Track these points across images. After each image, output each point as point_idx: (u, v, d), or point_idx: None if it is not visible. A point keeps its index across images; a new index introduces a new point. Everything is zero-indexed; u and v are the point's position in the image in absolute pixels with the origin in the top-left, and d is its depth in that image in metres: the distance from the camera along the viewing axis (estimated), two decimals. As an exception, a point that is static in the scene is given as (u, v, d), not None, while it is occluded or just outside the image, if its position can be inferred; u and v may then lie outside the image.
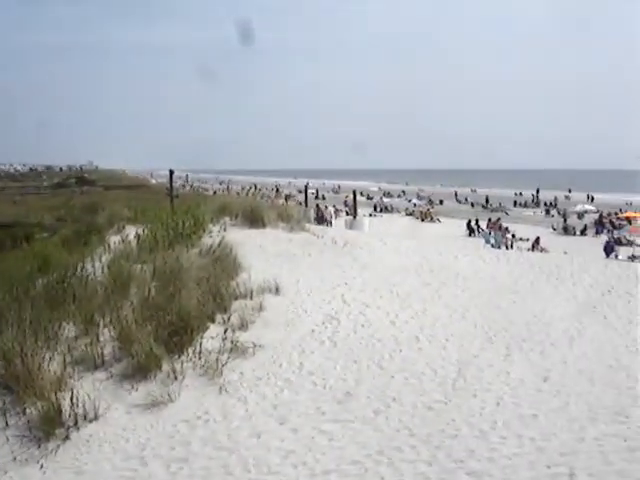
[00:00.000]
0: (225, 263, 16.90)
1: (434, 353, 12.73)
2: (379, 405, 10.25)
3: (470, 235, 46.47)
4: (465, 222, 50.02)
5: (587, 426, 9.41)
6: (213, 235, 20.66)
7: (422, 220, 61.05)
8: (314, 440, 9.14)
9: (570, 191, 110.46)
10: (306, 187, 56.71)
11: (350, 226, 36.83)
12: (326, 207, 51.34)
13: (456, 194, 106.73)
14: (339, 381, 11.26)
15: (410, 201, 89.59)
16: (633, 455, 8.43)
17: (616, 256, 35.21)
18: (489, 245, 38.30)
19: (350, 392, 10.77)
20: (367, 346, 13.03)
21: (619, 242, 41.52)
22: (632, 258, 34.80)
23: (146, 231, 19.41)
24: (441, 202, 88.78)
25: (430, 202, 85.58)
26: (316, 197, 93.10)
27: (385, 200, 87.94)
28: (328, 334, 13.72)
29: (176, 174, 58.64)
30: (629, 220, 59.17)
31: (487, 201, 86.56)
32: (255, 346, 12.51)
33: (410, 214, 67.77)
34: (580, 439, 8.96)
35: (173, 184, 34.78)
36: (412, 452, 8.70)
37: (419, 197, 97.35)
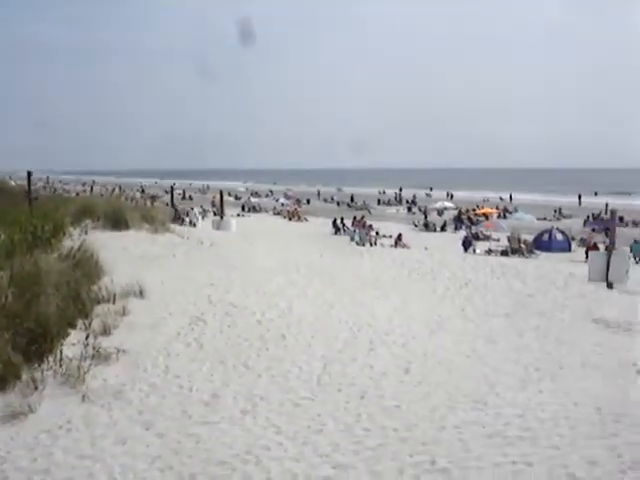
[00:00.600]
0: (86, 267, 16.35)
1: (300, 350, 12.85)
2: (246, 405, 10.25)
3: (336, 233, 47.12)
4: (331, 221, 50.70)
5: (447, 415, 9.77)
6: (74, 238, 19.95)
7: (289, 219, 61.38)
8: (181, 444, 9.02)
9: (431, 189, 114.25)
10: (172, 188, 55.83)
11: (217, 226, 36.55)
12: (192, 208, 50.74)
13: (319, 193, 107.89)
14: (205, 383, 11.17)
15: (277, 200, 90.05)
16: (490, 441, 8.82)
17: (474, 250, 36.69)
18: (354, 243, 39.05)
19: (217, 393, 10.70)
20: (234, 346, 12.99)
21: (476, 237, 43.26)
22: (488, 252, 36.36)
23: (2, 236, 18.52)
24: (308, 201, 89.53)
25: (297, 201, 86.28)
26: (183, 198, 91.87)
27: (253, 200, 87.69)
28: (194, 336, 13.57)
29: (37, 175, 56.15)
30: (486, 216, 61.88)
31: (352, 199, 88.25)
32: (119, 351, 12.17)
33: (277, 214, 68.05)
34: (441, 428, 9.29)
35: (33, 186, 33.37)
36: (279, 449, 8.75)
37: (286, 197, 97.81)
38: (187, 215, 45.58)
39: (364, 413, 9.83)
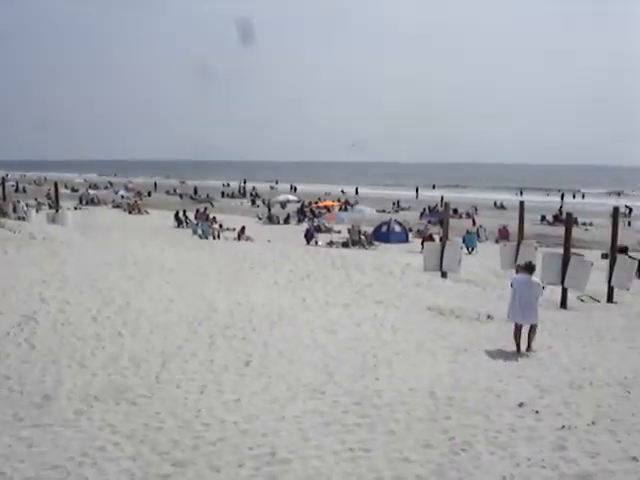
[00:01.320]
0: None
1: (138, 347, 12.52)
2: (81, 405, 9.83)
3: (178, 226, 46.36)
4: (173, 214, 49.81)
5: (287, 405, 9.83)
6: None
7: (129, 212, 59.71)
8: (12, 448, 8.50)
9: (277, 182, 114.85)
10: (3, 179, 52.80)
11: (52, 220, 34.97)
12: (18, 201, 48.11)
13: (155, 185, 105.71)
14: (37, 384, 10.62)
15: (117, 193, 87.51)
16: (329, 429, 8.94)
17: (316, 242, 37.19)
18: (197, 236, 38.57)
19: (49, 395, 10.20)
20: (67, 345, 12.47)
21: (319, 229, 43.90)
22: (330, 244, 36.98)
23: None
24: (149, 194, 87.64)
25: (138, 194, 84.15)
26: (16, 190, 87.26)
27: (91, 192, 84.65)
28: (25, 336, 12.91)
29: None
30: (328, 208, 63.19)
31: (195, 192, 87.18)
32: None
33: (117, 206, 66.06)
34: (281, 418, 9.32)
35: None
36: (116, 450, 8.44)
37: (127, 189, 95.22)
38: (14, 209, 42.85)
39: (204, 408, 9.69)
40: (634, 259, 24.84)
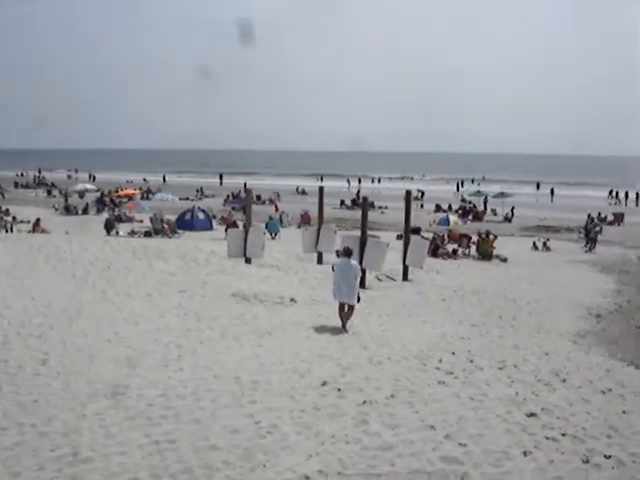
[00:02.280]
0: None
1: None
2: None
3: (-35, 220, 43.27)
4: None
5: (88, 403, 9.47)
6: None
7: None
8: None
9: (77, 171, 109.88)
10: None
11: None
12: None
13: None
14: None
15: None
16: (133, 424, 8.72)
17: (117, 232, 36.06)
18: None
19: None
20: None
21: (120, 219, 42.60)
22: (132, 234, 36.02)
23: None
24: None
25: None
26: None
27: None
28: None
29: None
30: (129, 197, 61.45)
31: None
32: None
33: None
34: (82, 417, 8.97)
35: None
36: None
37: None
38: None
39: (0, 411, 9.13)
40: (426, 239, 26.43)
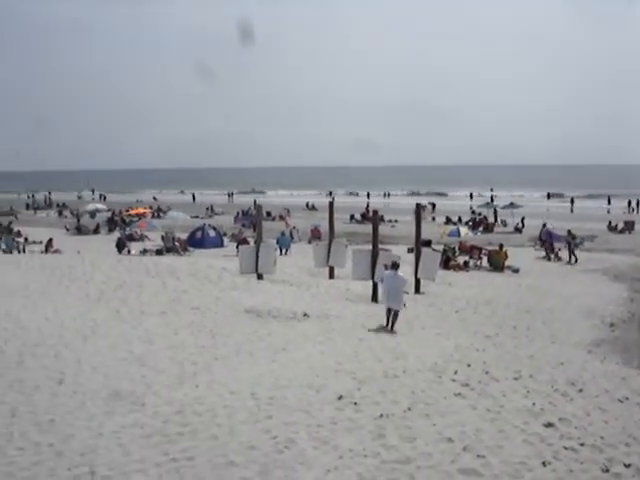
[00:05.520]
0: None
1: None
2: None
3: (-22, 242, 43.51)
4: (-29, 229, 46.65)
5: (104, 421, 9.49)
6: None
7: None
8: None
9: (93, 191, 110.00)
10: None
11: None
12: None
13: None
14: None
15: None
16: (150, 441, 8.75)
17: (128, 251, 36.18)
18: (1, 251, 36.37)
19: None
20: None
21: (132, 238, 42.73)
22: (144, 252, 36.12)
23: None
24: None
25: None
26: None
27: None
28: None
29: None
30: (139, 216, 61.66)
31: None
32: None
33: None
34: (99, 435, 8.99)
35: None
36: None
37: None
38: None
39: (16, 432, 9.15)
40: (437, 251, 26.39)
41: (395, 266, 17.10)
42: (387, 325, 16.41)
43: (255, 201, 68.79)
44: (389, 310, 16.47)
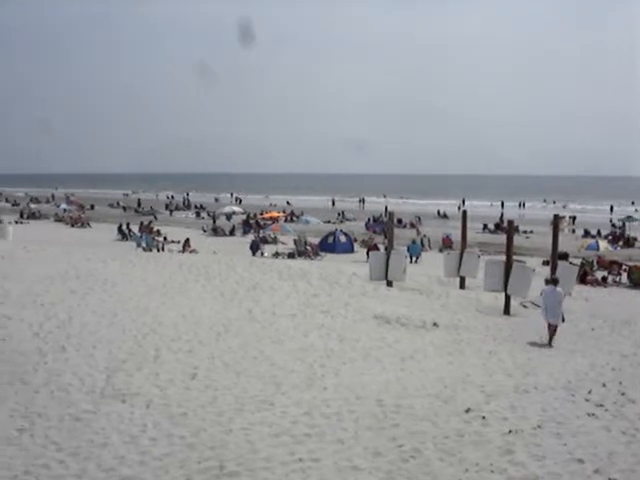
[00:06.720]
0: None
1: (81, 362, 12.27)
2: (23, 422, 9.58)
3: (122, 239, 45.75)
4: (116, 226, 49.12)
5: (234, 417, 9.74)
6: None
7: (72, 226, 58.68)
8: (-47, 471, 8.25)
9: (232, 195, 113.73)
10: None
11: (-8, 234, 34.26)
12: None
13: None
14: (-22, 403, 10.31)
15: (59, 206, 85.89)
16: (278, 440, 8.90)
17: (262, 254, 37.02)
18: (140, 249, 38.02)
19: (-11, 413, 9.91)
20: (8, 362, 12.13)
21: (265, 240, 43.77)
22: (276, 255, 36.90)
23: None
24: (92, 207, 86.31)
25: (81, 207, 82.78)
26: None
27: (32, 206, 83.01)
28: (-38, 353, 12.53)
29: None
30: (273, 219, 63.06)
31: (139, 204, 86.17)
32: None
33: (60, 220, 64.80)
34: (228, 431, 9.24)
35: None
36: (60, 467, 8.25)
37: (69, 202, 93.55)
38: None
39: (150, 423, 9.54)
40: (575, 265, 25.42)
41: (555, 281, 17.14)
42: (549, 340, 16.31)
43: (386, 208, 68.75)
44: (549, 325, 16.45)
